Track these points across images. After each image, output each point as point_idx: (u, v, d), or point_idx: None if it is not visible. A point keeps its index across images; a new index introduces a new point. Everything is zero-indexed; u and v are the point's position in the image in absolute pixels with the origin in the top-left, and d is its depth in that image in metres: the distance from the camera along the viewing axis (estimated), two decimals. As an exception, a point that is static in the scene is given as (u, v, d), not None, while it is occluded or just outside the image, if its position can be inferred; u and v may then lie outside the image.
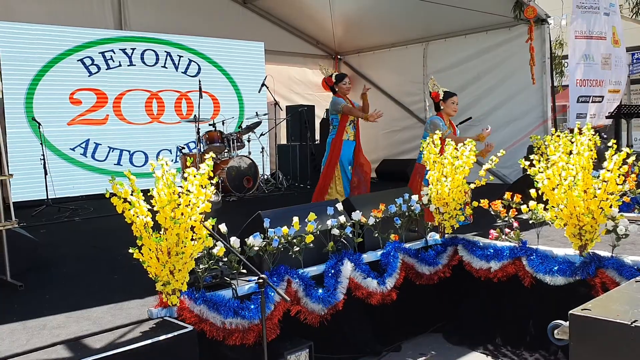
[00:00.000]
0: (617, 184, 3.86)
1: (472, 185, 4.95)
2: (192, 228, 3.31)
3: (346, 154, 6.50)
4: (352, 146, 6.54)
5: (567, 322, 2.48)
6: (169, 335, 3.07)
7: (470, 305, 4.77)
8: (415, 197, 4.87)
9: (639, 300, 2.54)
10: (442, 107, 6.00)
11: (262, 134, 9.55)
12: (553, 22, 9.56)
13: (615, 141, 4.11)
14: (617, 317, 2.34)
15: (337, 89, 6.56)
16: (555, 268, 4.14)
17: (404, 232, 4.72)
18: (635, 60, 12.31)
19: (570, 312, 2.44)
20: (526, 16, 8.17)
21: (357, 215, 4.37)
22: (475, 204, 4.90)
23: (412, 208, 4.78)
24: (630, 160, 3.93)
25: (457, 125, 8.34)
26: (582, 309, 2.46)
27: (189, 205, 3.25)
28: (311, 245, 3.97)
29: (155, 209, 3.23)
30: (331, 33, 10.90)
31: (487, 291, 4.60)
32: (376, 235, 4.52)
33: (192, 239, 3.32)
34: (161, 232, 3.25)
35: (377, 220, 4.49)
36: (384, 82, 11.07)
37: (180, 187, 3.29)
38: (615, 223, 3.97)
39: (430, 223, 5.10)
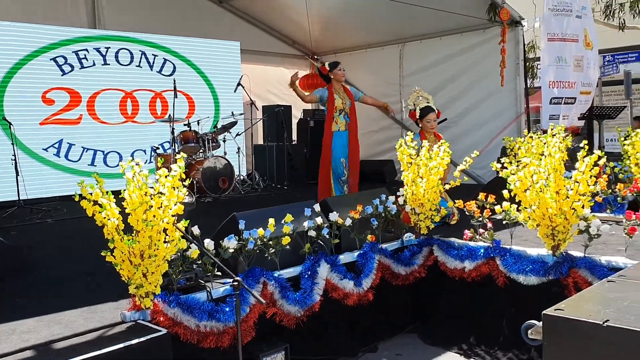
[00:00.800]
0: (589, 185, 3.91)
1: (447, 186, 4.98)
2: (165, 230, 3.27)
3: (338, 146, 6.43)
4: (343, 137, 6.47)
5: (541, 322, 2.50)
6: (142, 339, 3.03)
7: (445, 305, 4.80)
8: (392, 198, 4.89)
9: (611, 300, 2.57)
10: (420, 125, 6.02)
11: (238, 134, 9.49)
12: (527, 25, 9.68)
13: (587, 142, 4.17)
14: (589, 316, 2.36)
15: (332, 77, 6.53)
16: (529, 268, 4.18)
17: (380, 233, 4.73)
18: (606, 63, 12.54)
19: (544, 312, 2.45)
20: (501, 18, 8.26)
21: (334, 216, 4.37)
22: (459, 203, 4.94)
23: (389, 209, 4.79)
24: (602, 162, 3.99)
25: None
26: (555, 309, 2.48)
27: (161, 207, 3.21)
28: (287, 247, 3.94)
29: (126, 211, 3.18)
30: (308, 33, 10.89)
31: (462, 291, 4.63)
32: (353, 236, 4.52)
33: (165, 242, 3.28)
34: (133, 235, 3.20)
35: (354, 221, 4.49)
36: (360, 82, 11.09)
37: (152, 188, 3.25)
38: (587, 223, 4.02)
39: (406, 224, 5.11)
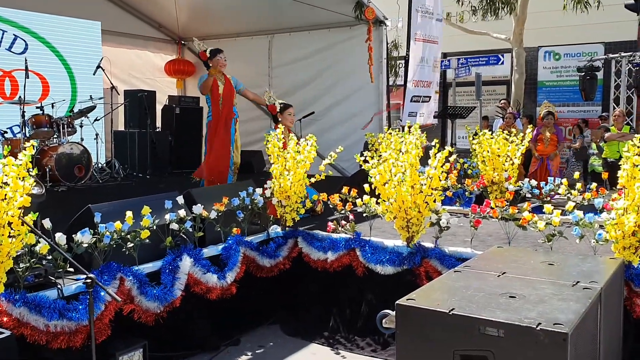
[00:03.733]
0: (440, 180, 4.19)
1: (313, 180, 5.08)
2: (10, 224, 3.01)
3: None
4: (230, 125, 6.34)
5: (394, 311, 2.64)
6: (-18, 343, 2.77)
7: (307, 296, 4.91)
8: (259, 190, 4.88)
9: (457, 290, 2.78)
10: (279, 119, 6.09)
11: (96, 119, 8.93)
12: (390, 24, 10.12)
13: (437, 140, 4.47)
14: (437, 305, 2.54)
15: (211, 65, 6.31)
16: (386, 258, 4.39)
17: (246, 226, 4.72)
18: (460, 65, 13.48)
19: (397, 302, 2.60)
20: (366, 17, 8.56)
21: (198, 208, 4.28)
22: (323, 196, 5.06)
23: (256, 201, 4.79)
24: (452, 158, 4.29)
25: (300, 120, 8.55)
26: (407, 299, 2.63)
27: (5, 199, 2.94)
28: (147, 240, 3.79)
29: (-35, 203, 2.88)
30: (175, 17, 10.53)
31: (324, 282, 4.76)
32: (218, 229, 4.46)
33: (10, 236, 3.01)
34: (-28, 229, 2.91)
35: (219, 213, 4.43)
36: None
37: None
38: (438, 216, 4.31)
39: (272, 216, 5.15)
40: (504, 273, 3.00)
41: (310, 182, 5.08)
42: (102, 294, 3.35)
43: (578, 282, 2.81)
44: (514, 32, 13.41)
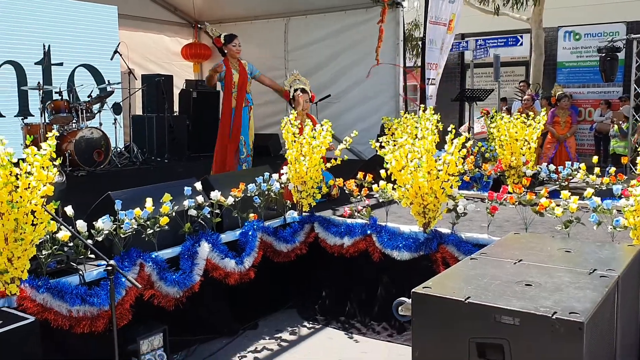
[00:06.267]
0: (457, 166, 4.18)
1: (329, 165, 5.09)
2: (34, 212, 3.07)
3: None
4: (243, 114, 6.30)
5: (410, 299, 2.66)
6: (8, 328, 2.86)
7: (324, 281, 4.95)
8: (275, 176, 4.91)
9: (472, 277, 2.78)
10: (294, 106, 6.09)
11: (115, 104, 9.01)
12: (407, 5, 10.00)
13: (454, 126, 4.45)
14: (453, 294, 2.55)
15: (226, 51, 6.32)
16: (402, 244, 4.41)
17: (263, 211, 4.75)
18: (478, 46, 13.29)
19: (413, 290, 2.61)
20: (383, -1, 8.48)
21: (215, 195, 4.32)
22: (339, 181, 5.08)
23: (272, 187, 4.82)
24: (469, 144, 4.27)
25: (316, 103, 8.54)
26: (423, 287, 2.65)
27: (29, 188, 3.00)
28: (166, 227, 3.85)
29: (-11, 191, 2.95)
30: (191, 1, 10.51)
31: (340, 267, 4.80)
32: (235, 215, 4.51)
33: (32, 224, 3.08)
34: (-4, 217, 2.98)
35: (237, 199, 4.47)
36: (246, 55, 10.71)
37: (17, 164, 3.01)
38: (455, 202, 4.30)
39: (289, 201, 5.18)
40: (520, 260, 3.00)
41: (326, 167, 5.10)
42: (123, 279, 3.41)
43: (595, 270, 2.80)
44: (533, 12, 13.19)
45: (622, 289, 2.77)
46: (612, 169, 4.96)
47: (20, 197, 3.00)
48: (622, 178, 4.72)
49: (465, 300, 2.47)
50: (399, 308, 2.81)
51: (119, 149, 9.00)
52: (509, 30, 14.25)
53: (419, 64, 13.45)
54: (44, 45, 7.66)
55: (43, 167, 3.06)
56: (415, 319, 2.64)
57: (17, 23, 8.61)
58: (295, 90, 6.15)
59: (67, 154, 7.53)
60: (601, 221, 3.84)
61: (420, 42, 12.81)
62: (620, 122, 9.54)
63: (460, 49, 13.29)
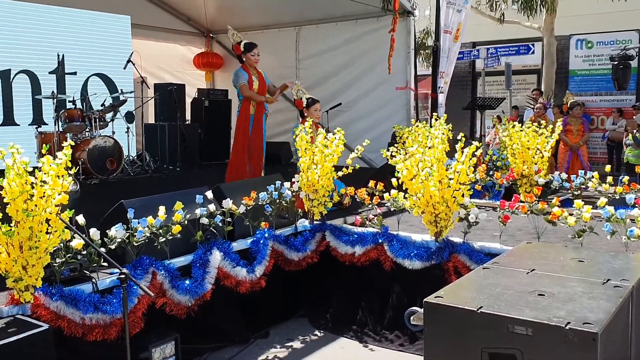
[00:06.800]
0: (468, 175, 4.17)
1: (340, 173, 5.10)
2: (48, 221, 3.10)
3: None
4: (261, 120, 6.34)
5: (422, 308, 2.66)
6: (22, 335, 2.89)
7: (335, 290, 4.94)
8: (287, 184, 4.93)
9: (485, 287, 2.77)
10: (305, 115, 6.10)
11: (127, 113, 9.08)
12: (418, 14, 10.02)
13: (464, 134, 4.44)
14: (465, 303, 2.54)
15: (244, 59, 6.37)
16: (414, 253, 4.40)
17: (274, 220, 4.77)
18: (489, 55, 13.28)
19: (425, 300, 2.61)
20: (394, 8, 8.48)
21: (227, 203, 4.34)
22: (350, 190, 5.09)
23: (283, 195, 4.83)
24: (479, 152, 4.27)
25: (327, 111, 8.57)
26: (435, 297, 2.64)
27: (44, 197, 3.03)
28: (178, 235, 3.87)
29: (5, 200, 2.98)
30: (203, 10, 10.59)
31: (352, 276, 4.79)
32: (247, 223, 4.52)
33: (47, 232, 3.11)
34: (12, 225, 3.01)
35: (248, 208, 4.49)
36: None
37: (32, 173, 3.05)
38: (467, 211, 4.29)
39: (300, 210, 5.19)
40: (533, 270, 2.98)
41: (338, 175, 5.11)
42: (135, 287, 3.43)
43: (609, 280, 2.78)
44: (545, 20, 13.16)
45: (637, 300, 2.75)
46: (625, 178, 4.92)
47: (35, 205, 3.04)
48: (635, 187, 4.69)
49: (478, 310, 2.46)
50: (411, 317, 2.80)
51: (131, 158, 9.05)
52: (521, 39, 14.22)
53: (425, 72, 13.49)
54: (58, 55, 7.72)
55: (58, 176, 3.09)
56: (428, 329, 2.63)
57: (31, 33, 8.71)
58: (308, 99, 6.17)
59: (80, 163, 7.58)
60: (615, 231, 3.81)
61: (431, 51, 12.85)
62: (634, 130, 9.46)
63: (472, 57, 13.29)
